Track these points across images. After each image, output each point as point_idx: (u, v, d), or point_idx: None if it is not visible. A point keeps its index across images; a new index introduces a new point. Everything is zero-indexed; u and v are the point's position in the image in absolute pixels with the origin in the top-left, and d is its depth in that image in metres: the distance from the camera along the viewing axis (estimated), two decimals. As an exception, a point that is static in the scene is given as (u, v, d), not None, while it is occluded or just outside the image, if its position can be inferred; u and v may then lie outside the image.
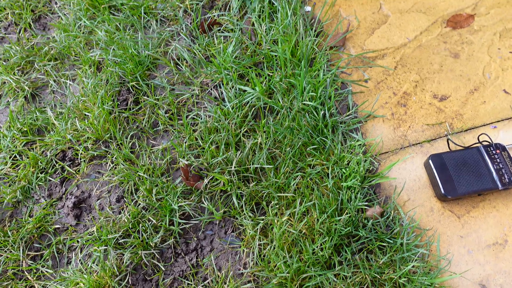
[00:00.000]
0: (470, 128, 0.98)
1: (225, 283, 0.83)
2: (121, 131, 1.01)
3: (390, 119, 0.99)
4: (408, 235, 0.82)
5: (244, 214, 0.88)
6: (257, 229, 0.85)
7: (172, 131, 1.00)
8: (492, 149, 0.90)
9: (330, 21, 1.14)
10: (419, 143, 0.96)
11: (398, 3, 1.18)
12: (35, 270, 0.91)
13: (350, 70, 1.07)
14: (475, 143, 0.93)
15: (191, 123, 1.00)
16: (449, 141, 0.94)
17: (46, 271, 0.90)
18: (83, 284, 0.84)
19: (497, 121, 0.99)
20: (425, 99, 1.02)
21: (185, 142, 0.96)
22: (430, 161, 0.89)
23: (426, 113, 1.00)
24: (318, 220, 0.83)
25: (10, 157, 1.03)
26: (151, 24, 1.16)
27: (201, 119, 0.98)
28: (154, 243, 0.88)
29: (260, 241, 0.85)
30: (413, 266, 0.78)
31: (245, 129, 0.95)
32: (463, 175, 0.87)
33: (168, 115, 1.02)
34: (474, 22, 1.15)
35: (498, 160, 0.88)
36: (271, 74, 1.00)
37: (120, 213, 0.93)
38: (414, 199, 0.89)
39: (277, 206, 0.87)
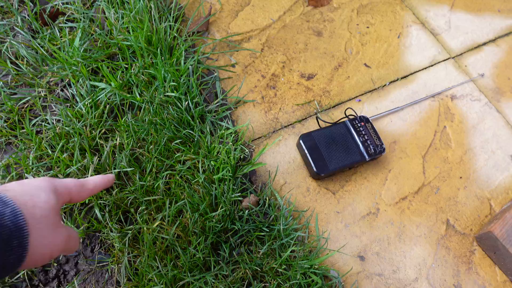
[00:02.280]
0: (338, 103, 0.99)
1: (93, 309, 0.73)
2: None
3: (260, 103, 0.96)
4: (286, 220, 0.80)
5: (110, 226, 0.77)
6: (126, 240, 0.76)
7: (17, 143, 0.85)
8: (357, 122, 0.91)
9: (192, 5, 1.07)
10: (290, 124, 0.95)
11: (260, -16, 1.15)
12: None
13: (216, 55, 1.01)
14: (342, 118, 0.94)
15: (38, 131, 0.86)
16: (318, 118, 0.94)
17: None
18: None
19: (361, 94, 1.01)
20: (293, 79, 1.01)
21: (32, 154, 0.82)
22: (300, 141, 0.88)
23: (296, 93, 0.99)
24: (191, 220, 0.76)
25: None
26: (-23, 19, 0.97)
27: (49, 124, 0.85)
28: (4, 280, 0.73)
29: (130, 253, 0.76)
30: (292, 251, 0.76)
31: (102, 131, 0.84)
32: (333, 151, 0.87)
33: (7, 124, 0.86)
34: (333, 0, 1.17)
35: (363, 133, 0.90)
36: (127, 66, 0.90)
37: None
38: (290, 182, 0.88)
39: (146, 211, 0.78)
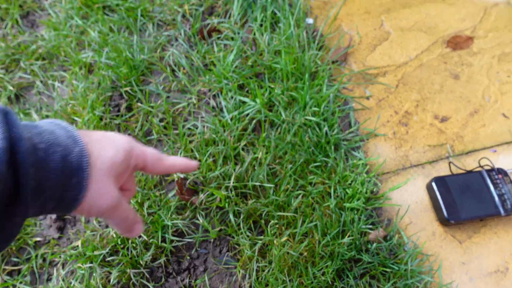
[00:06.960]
0: (471, 151, 0.97)
1: (220, 307, 0.78)
2: (111, 139, 0.95)
3: (391, 138, 0.97)
4: (411, 261, 0.80)
5: (242, 232, 0.83)
6: (255, 249, 0.81)
7: (166, 141, 0.95)
8: (494, 173, 0.89)
9: (332, 35, 1.12)
10: (420, 164, 0.94)
11: (400, 21, 1.17)
12: (11, 287, 0.84)
13: (352, 86, 1.05)
14: (476, 167, 0.92)
15: (186, 134, 0.95)
16: (451, 164, 0.93)
17: (23, 288, 0.83)
18: (65, 304, 0.78)
19: (497, 144, 0.98)
20: (426, 119, 1.01)
21: (180, 154, 0.91)
22: (433, 184, 0.87)
23: (428, 134, 0.99)
24: (319, 242, 0.79)
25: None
26: (147, 27, 1.11)
27: (197, 129, 0.94)
28: (144, 262, 0.82)
29: (259, 262, 0.81)
30: (417, 294, 0.75)
31: (244, 143, 0.91)
32: (466, 200, 0.85)
33: (163, 123, 0.97)
34: (473, 45, 1.15)
35: (500, 186, 0.87)
36: (272, 86, 0.97)
37: (107, 227, 0.87)
38: (416, 223, 0.87)
39: (277, 225, 0.83)
